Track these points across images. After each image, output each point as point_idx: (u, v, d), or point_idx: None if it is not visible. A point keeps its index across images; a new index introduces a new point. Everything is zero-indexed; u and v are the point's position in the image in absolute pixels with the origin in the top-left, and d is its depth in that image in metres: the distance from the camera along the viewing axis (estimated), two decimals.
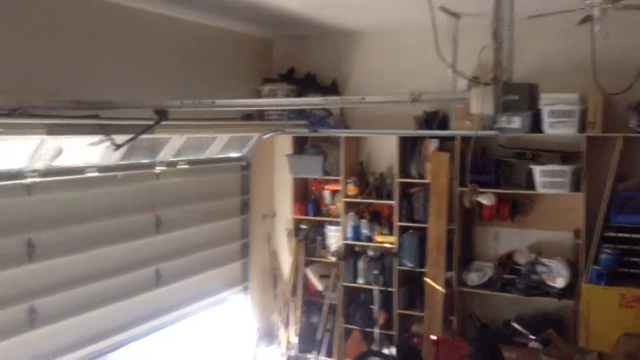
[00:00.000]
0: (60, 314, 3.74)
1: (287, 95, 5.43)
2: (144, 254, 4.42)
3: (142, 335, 4.52)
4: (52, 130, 3.09)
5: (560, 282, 4.77)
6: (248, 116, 5.37)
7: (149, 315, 4.53)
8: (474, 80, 3.24)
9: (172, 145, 4.50)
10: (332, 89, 5.61)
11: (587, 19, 3.31)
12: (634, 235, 4.49)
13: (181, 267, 4.81)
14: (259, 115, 5.57)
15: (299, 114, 5.24)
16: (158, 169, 4.49)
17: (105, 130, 3.47)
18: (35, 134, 3.19)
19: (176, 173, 4.71)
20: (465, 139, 4.97)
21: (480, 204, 4.95)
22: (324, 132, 5.51)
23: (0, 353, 3.37)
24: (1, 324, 3.37)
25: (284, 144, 5.92)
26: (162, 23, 4.56)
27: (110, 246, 4.10)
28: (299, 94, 5.49)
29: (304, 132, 5.52)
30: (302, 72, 5.75)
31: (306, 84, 5.63)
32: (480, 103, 2.23)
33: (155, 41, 4.51)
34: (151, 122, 3.46)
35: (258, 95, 5.56)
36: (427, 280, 5.12)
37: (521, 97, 2.18)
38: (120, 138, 3.60)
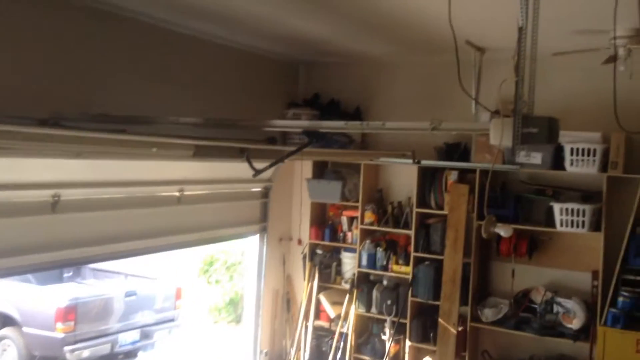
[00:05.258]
0: (83, 206, 3.82)
1: (310, 120, 5.47)
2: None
3: (161, 249, 4.67)
4: (200, 152, 3.08)
5: (576, 323, 4.68)
6: (272, 139, 5.40)
7: (170, 230, 4.60)
8: (496, 114, 3.25)
9: None
10: (355, 115, 5.65)
11: (612, 58, 3.32)
12: None
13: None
14: (282, 139, 5.62)
15: (321, 138, 5.27)
16: None
17: (245, 154, 3.43)
18: (184, 156, 3.18)
19: None
20: (485, 172, 4.96)
21: (498, 239, 4.91)
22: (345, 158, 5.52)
23: (24, 227, 3.51)
24: (25, 203, 3.49)
25: (304, 167, 5.96)
26: (191, 44, 4.68)
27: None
28: (322, 119, 5.53)
29: (408, 162, 5.05)
30: (327, 97, 5.82)
31: (330, 109, 5.68)
32: (499, 134, 2.24)
33: (183, 61, 4.63)
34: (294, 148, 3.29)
35: (283, 118, 5.63)
36: (442, 321, 5.06)
37: (540, 130, 2.19)
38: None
